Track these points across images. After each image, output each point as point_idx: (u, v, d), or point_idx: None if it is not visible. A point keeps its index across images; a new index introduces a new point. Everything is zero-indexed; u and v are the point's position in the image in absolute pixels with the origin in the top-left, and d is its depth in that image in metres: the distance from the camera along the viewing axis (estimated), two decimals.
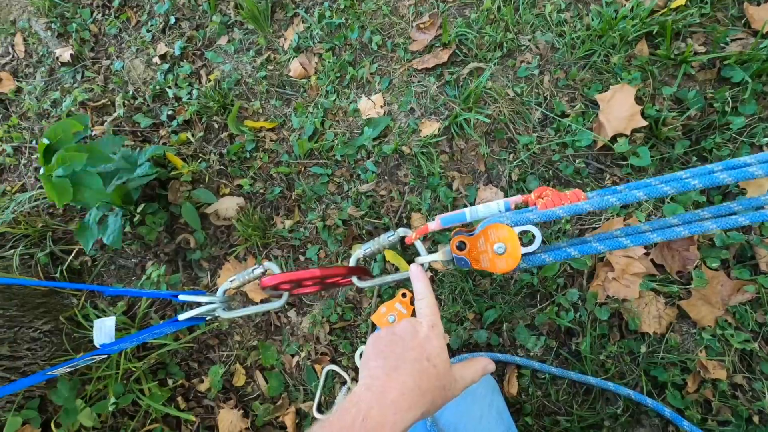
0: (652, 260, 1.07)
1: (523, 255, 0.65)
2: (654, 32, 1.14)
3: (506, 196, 1.16)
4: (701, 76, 1.12)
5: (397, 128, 1.30)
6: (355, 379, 1.16)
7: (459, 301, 1.14)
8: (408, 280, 0.71)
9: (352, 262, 0.71)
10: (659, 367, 1.01)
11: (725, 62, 1.09)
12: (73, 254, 1.40)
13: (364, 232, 1.24)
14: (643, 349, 1.03)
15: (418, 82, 1.32)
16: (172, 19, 1.60)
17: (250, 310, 0.73)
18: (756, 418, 0.95)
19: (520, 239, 0.62)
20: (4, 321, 1.13)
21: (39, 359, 1.16)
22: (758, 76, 1.06)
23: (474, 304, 1.13)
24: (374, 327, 1.15)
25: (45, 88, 1.69)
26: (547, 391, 1.07)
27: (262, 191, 1.36)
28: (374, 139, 1.29)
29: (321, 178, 1.31)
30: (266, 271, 0.72)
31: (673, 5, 1.14)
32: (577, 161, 1.15)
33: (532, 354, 1.09)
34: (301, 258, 1.28)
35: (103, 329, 0.80)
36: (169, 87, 1.52)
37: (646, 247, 1.09)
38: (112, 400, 1.12)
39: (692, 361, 1.00)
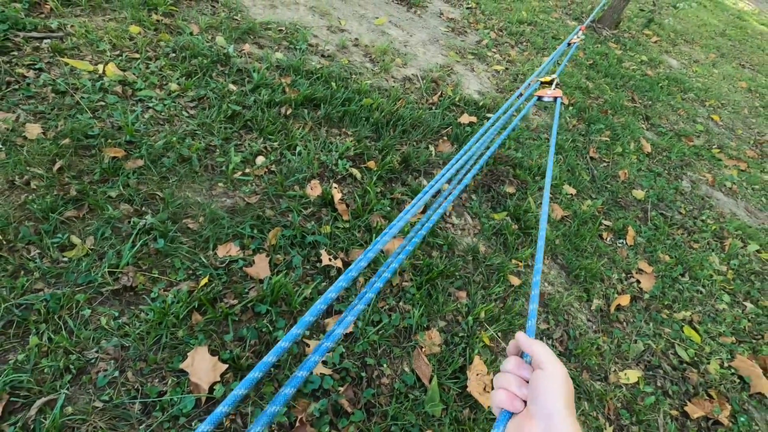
0: None
1: None
2: (198, 305, 1.52)
3: None
4: (245, 317, 1.57)
5: None
6: None
7: None
8: None
9: None
10: None
11: (253, 303, 1.60)
12: None
13: None
14: None
15: None
16: None
17: None
18: None
19: None
20: None
21: None
22: (275, 303, 1.61)
23: None
24: None
25: None
26: None
27: None
28: None
29: None
30: None
31: (202, 283, 1.59)
32: (193, 423, 1.26)
33: None
34: None
35: None
36: None
37: None
38: None
39: None
